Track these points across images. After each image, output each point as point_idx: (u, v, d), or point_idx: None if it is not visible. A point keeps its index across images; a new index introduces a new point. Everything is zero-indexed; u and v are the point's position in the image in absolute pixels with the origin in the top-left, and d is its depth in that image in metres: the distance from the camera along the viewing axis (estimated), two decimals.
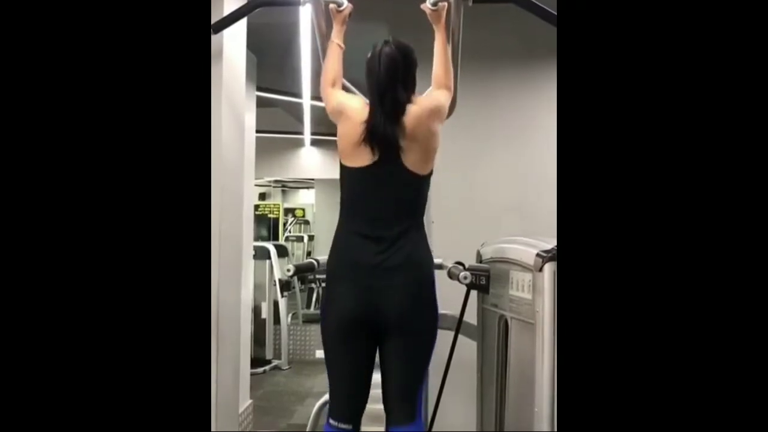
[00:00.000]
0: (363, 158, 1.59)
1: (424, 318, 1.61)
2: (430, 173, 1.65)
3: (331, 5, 1.76)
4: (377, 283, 1.55)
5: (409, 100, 1.61)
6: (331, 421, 1.63)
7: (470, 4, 1.73)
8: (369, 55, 1.63)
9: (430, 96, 1.65)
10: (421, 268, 1.60)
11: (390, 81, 1.58)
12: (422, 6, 1.75)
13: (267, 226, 8.28)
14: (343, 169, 1.64)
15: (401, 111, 1.58)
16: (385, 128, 1.55)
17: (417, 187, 1.63)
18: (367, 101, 1.63)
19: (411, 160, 1.59)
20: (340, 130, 1.64)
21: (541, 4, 1.82)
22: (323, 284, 6.71)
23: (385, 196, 1.59)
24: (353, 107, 1.63)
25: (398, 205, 1.60)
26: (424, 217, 1.68)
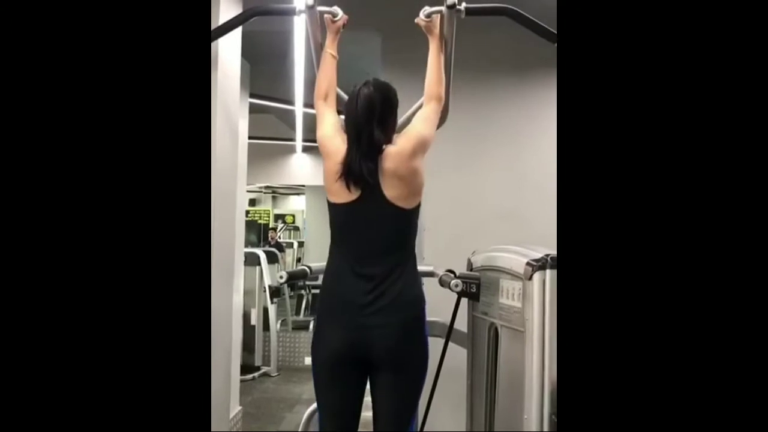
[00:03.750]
0: (346, 194, 1.59)
1: (414, 356, 1.61)
2: (418, 206, 1.63)
3: (326, 15, 1.78)
4: (367, 322, 1.55)
5: (387, 140, 1.60)
6: None
7: (463, 16, 1.76)
8: (348, 96, 1.64)
9: (409, 133, 1.63)
10: (411, 307, 1.60)
11: (366, 121, 1.58)
12: (417, 20, 1.78)
13: (257, 232, 8.28)
14: (330, 204, 1.65)
15: (377, 150, 1.58)
16: (360, 167, 1.55)
17: (404, 222, 1.61)
18: None
19: (395, 196, 1.58)
20: (324, 166, 1.64)
21: (530, 16, 1.85)
22: (313, 291, 6.68)
23: (372, 231, 1.59)
24: (335, 147, 1.62)
25: (385, 240, 1.59)
26: (416, 245, 1.67)
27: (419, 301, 1.63)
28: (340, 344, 1.58)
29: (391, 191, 1.58)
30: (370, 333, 1.55)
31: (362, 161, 1.56)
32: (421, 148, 1.62)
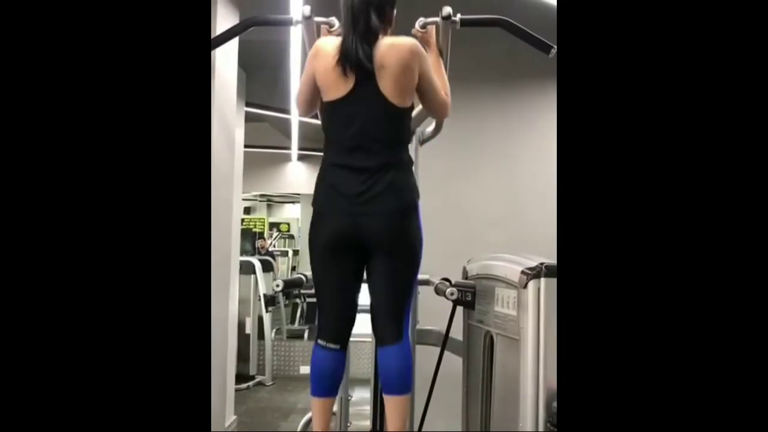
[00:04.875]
0: (341, 88, 1.61)
1: (408, 237, 1.64)
2: (411, 107, 1.67)
3: (323, 25, 1.80)
4: (361, 210, 1.59)
5: (383, 29, 1.64)
6: (320, 341, 1.67)
7: (458, 27, 1.78)
8: None
9: (413, 40, 1.66)
10: (405, 194, 1.63)
11: (364, 6, 1.61)
12: (413, 31, 1.80)
13: (252, 240, 8.25)
14: (324, 105, 1.67)
15: (374, 35, 1.61)
16: (357, 50, 1.58)
17: (397, 118, 1.64)
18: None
19: (388, 90, 1.60)
20: (317, 70, 1.65)
21: (524, 27, 1.87)
22: (308, 299, 6.63)
23: (364, 125, 1.61)
24: (328, 42, 1.66)
25: (379, 134, 1.62)
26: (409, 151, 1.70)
27: (411, 190, 1.66)
28: (335, 230, 1.61)
29: (384, 83, 1.60)
30: (364, 220, 1.59)
31: (359, 45, 1.58)
32: (416, 57, 1.62)
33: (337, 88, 1.62)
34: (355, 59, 1.58)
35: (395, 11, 1.73)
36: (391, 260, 1.63)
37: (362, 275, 1.69)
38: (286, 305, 5.95)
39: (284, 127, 5.32)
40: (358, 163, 1.60)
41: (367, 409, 1.75)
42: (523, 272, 1.68)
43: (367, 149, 1.61)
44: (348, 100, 1.61)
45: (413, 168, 1.72)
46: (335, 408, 1.87)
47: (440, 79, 1.75)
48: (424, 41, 1.80)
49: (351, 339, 1.73)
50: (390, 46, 1.61)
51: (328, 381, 1.66)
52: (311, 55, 1.69)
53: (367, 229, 1.59)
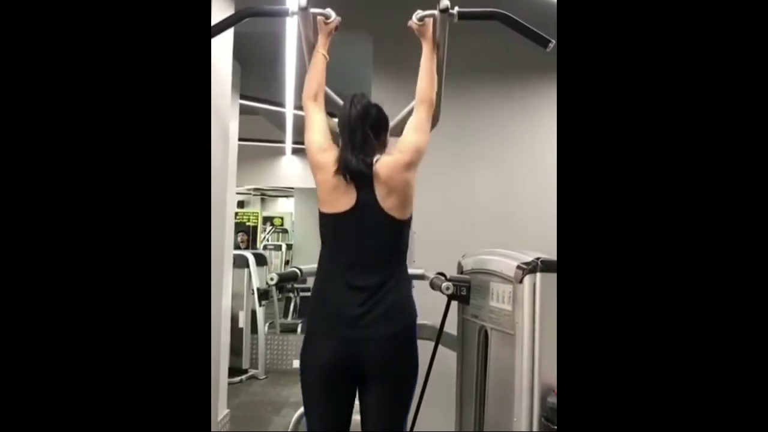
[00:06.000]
0: (342, 203, 1.60)
1: (404, 367, 1.61)
2: (410, 218, 1.66)
3: (319, 17, 1.78)
4: (359, 335, 1.55)
5: (379, 147, 1.66)
6: None
7: (455, 20, 1.76)
8: (342, 101, 1.69)
9: (404, 145, 1.64)
10: (403, 318, 1.60)
11: (361, 122, 1.63)
12: (409, 23, 1.78)
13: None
14: (322, 216, 1.65)
15: (371, 147, 1.62)
16: (355, 160, 1.58)
17: (397, 232, 1.62)
18: None
19: (388, 205, 1.59)
20: (316, 179, 1.65)
21: (522, 22, 1.86)
22: (302, 293, 6.58)
23: (365, 241, 1.59)
24: (328, 159, 1.64)
25: (379, 250, 1.60)
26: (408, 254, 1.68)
27: (411, 313, 1.63)
28: (331, 354, 1.57)
29: (385, 200, 1.59)
30: (362, 345, 1.55)
31: (357, 154, 1.59)
32: (417, 158, 1.64)
33: (338, 202, 1.60)
34: (355, 166, 1.58)
35: (389, 136, 1.74)
36: (386, 387, 1.59)
37: (354, 397, 1.64)
38: (279, 299, 5.94)
39: (278, 120, 5.29)
40: (357, 281, 1.57)
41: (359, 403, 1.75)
42: (518, 267, 1.68)
43: (366, 265, 1.59)
44: (349, 215, 1.60)
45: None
46: None
47: (430, 80, 1.72)
48: (421, 34, 1.78)
49: None
50: (389, 166, 1.61)
51: None
52: (315, 163, 1.65)
53: (365, 354, 1.55)
